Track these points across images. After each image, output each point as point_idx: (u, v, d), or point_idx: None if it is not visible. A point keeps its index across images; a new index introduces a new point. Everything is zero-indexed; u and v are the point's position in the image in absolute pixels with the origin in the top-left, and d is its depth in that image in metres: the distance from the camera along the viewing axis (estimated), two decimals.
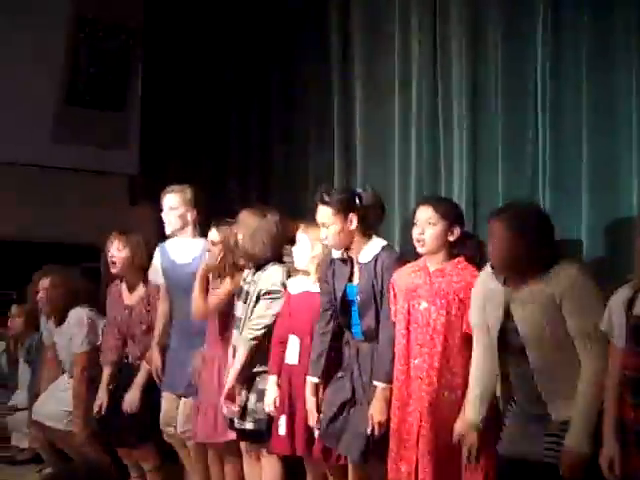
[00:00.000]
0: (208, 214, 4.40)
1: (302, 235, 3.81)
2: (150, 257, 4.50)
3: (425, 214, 3.29)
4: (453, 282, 3.24)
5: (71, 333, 4.76)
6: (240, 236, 3.92)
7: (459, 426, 3.11)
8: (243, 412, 3.85)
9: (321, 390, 3.63)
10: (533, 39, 3.69)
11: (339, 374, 3.58)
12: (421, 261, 3.36)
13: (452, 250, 3.31)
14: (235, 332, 3.94)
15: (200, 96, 5.94)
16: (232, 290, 4.04)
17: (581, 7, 3.50)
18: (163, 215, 4.39)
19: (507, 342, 2.93)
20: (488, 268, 3.05)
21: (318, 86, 4.95)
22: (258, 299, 3.86)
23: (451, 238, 3.29)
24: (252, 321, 3.85)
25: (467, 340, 3.17)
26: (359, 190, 3.66)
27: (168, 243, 4.43)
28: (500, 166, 3.81)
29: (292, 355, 3.76)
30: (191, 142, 5.99)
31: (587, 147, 3.46)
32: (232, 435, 3.97)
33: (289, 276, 3.88)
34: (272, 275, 3.86)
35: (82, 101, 6.61)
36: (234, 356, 3.92)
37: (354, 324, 3.54)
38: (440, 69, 4.15)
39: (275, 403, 3.74)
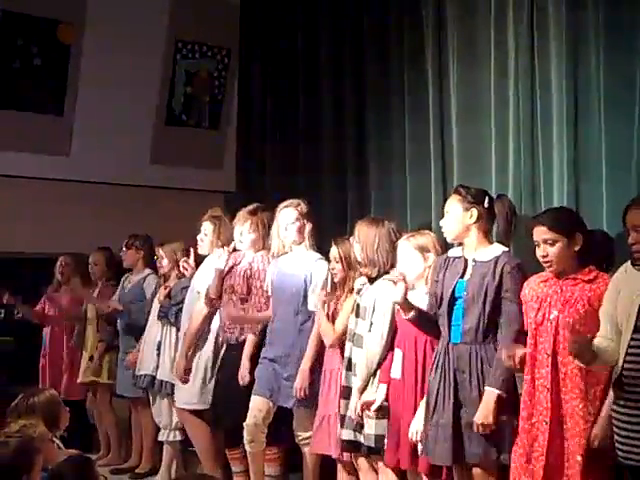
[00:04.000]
0: None
1: (408, 245, 3.76)
2: None
3: (542, 234, 3.23)
4: (586, 290, 3.18)
5: None
6: (359, 247, 3.90)
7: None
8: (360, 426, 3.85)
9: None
10: (637, 46, 3.60)
11: (430, 377, 3.54)
12: (547, 273, 3.31)
13: (582, 256, 3.24)
14: (353, 348, 3.94)
15: (294, 113, 5.99)
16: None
17: None
18: (278, 230, 4.40)
19: (637, 325, 2.86)
20: (627, 263, 2.99)
21: (414, 105, 4.93)
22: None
23: (576, 248, 3.23)
24: (374, 338, 3.83)
25: None
26: (495, 195, 3.65)
27: (282, 258, 4.46)
28: (604, 181, 3.72)
29: (396, 369, 3.75)
30: (286, 158, 6.04)
31: None
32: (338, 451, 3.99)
33: None
34: (386, 288, 3.84)
35: (179, 121, 6.74)
36: (348, 368, 3.92)
37: (454, 324, 3.48)
38: (538, 82, 4.08)
39: (381, 408, 3.73)
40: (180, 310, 4.98)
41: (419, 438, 3.58)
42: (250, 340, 4.50)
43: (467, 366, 3.41)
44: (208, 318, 4.76)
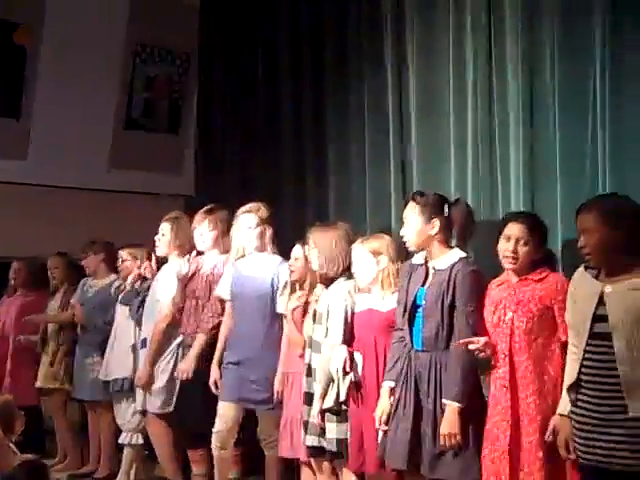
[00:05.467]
0: None
1: (361, 249, 3.79)
2: None
3: (518, 231, 3.30)
4: (537, 289, 3.25)
5: None
6: (315, 252, 3.92)
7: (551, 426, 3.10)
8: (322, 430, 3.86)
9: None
10: (591, 49, 3.68)
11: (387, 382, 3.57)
12: (504, 275, 3.38)
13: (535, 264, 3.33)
14: (312, 354, 3.95)
15: (254, 117, 6.00)
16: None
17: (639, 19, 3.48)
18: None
19: (593, 332, 2.91)
20: (581, 268, 3.05)
21: (373, 108, 4.97)
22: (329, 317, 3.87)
23: (539, 255, 3.32)
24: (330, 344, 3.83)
25: (558, 346, 3.17)
26: (451, 200, 3.67)
27: (241, 261, 4.46)
28: (559, 182, 3.79)
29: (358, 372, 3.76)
30: (245, 162, 6.05)
31: None
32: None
33: None
34: (339, 292, 3.86)
35: (138, 125, 6.72)
36: (308, 374, 3.94)
37: (416, 332, 3.51)
38: (496, 83, 4.14)
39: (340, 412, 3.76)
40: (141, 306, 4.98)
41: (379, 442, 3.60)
42: (199, 340, 4.49)
43: (426, 373, 3.43)
44: (172, 326, 4.74)
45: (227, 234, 4.58)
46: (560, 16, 3.83)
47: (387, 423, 3.54)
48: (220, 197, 5.96)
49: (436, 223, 3.50)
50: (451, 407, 3.33)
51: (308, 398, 3.93)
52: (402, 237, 3.59)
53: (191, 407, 4.51)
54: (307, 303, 4.10)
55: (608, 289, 2.90)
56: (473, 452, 3.33)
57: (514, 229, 3.30)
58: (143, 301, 4.95)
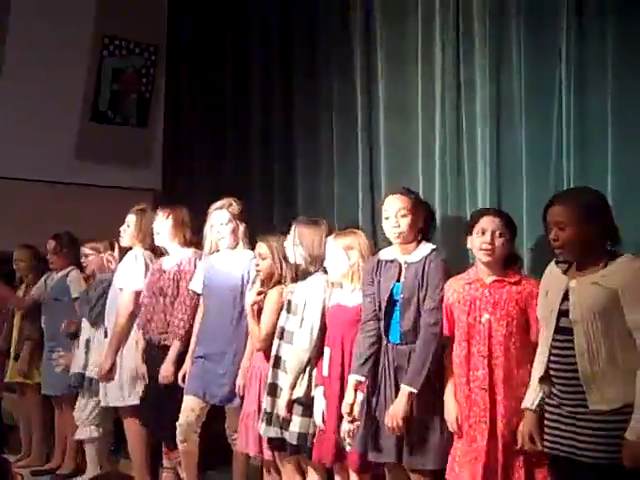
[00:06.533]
0: None
1: (334, 244, 3.81)
2: None
3: (494, 224, 3.32)
4: (513, 292, 3.27)
5: None
6: (301, 249, 3.93)
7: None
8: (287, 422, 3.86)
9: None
10: (557, 51, 3.71)
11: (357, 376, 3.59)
12: (473, 273, 3.38)
13: (508, 261, 3.35)
14: (283, 344, 3.95)
15: (222, 111, 5.98)
16: (280, 303, 4.06)
17: (604, 22, 3.52)
18: (211, 231, 4.41)
19: (559, 326, 2.96)
20: (552, 262, 3.09)
21: (342, 106, 4.98)
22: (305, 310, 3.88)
23: (511, 252, 3.35)
24: (304, 334, 3.85)
25: (532, 350, 3.18)
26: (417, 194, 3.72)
27: (215, 255, 4.45)
28: (525, 181, 3.83)
29: (326, 367, 3.78)
30: (214, 156, 6.03)
31: (612, 160, 3.46)
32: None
33: None
34: (318, 285, 3.88)
35: (105, 118, 6.66)
36: (275, 365, 3.94)
37: (394, 326, 3.53)
38: (463, 84, 4.17)
39: (323, 415, 3.75)
40: (96, 305, 4.96)
41: (345, 435, 3.61)
42: (175, 346, 4.48)
43: (406, 365, 3.45)
44: (134, 316, 4.73)
45: (183, 227, 4.57)
46: (526, 18, 3.86)
47: (351, 416, 3.58)
48: (188, 191, 5.96)
49: (422, 217, 3.58)
50: (405, 391, 3.38)
51: (272, 389, 3.94)
52: (396, 231, 3.55)
53: (160, 405, 4.49)
54: (263, 299, 4.11)
55: (573, 284, 2.94)
56: (445, 442, 3.37)
57: (489, 222, 3.32)
58: (105, 293, 4.94)
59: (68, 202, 6.30)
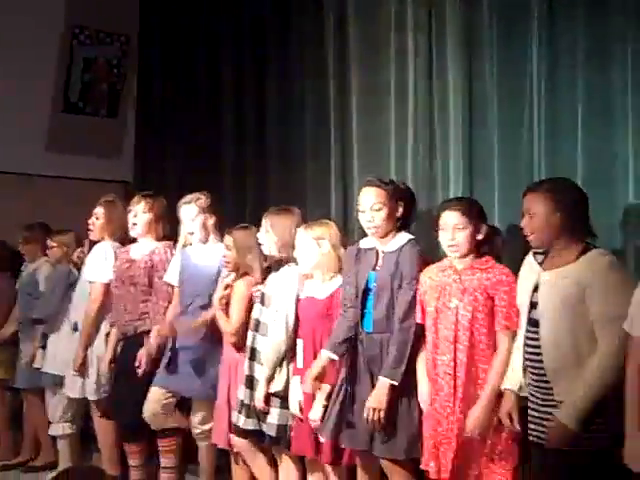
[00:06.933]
0: None
1: (305, 235, 3.78)
2: None
3: (453, 219, 3.31)
4: (483, 279, 3.27)
5: None
6: (273, 237, 3.90)
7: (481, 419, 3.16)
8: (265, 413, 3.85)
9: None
10: (529, 52, 3.73)
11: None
12: (447, 260, 3.38)
13: (480, 248, 3.33)
14: (258, 336, 3.93)
15: (194, 102, 5.94)
16: (247, 294, 4.04)
17: (575, 21, 3.55)
18: (180, 226, 4.40)
19: (530, 318, 3.00)
20: (528, 256, 3.10)
21: (314, 99, 4.97)
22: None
23: (480, 237, 3.32)
24: (279, 326, 3.83)
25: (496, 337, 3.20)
26: (402, 184, 3.68)
27: (190, 249, 4.42)
28: (497, 179, 3.83)
29: (300, 359, 3.77)
30: (186, 147, 5.99)
31: (582, 158, 3.48)
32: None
33: None
34: (290, 276, 3.85)
35: (76, 109, 6.60)
36: (251, 358, 3.92)
37: (367, 315, 3.52)
38: (436, 81, 4.17)
39: (300, 405, 3.73)
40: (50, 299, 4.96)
41: (317, 425, 3.60)
42: (155, 330, 4.42)
43: (379, 355, 3.45)
44: (103, 308, 4.69)
45: (161, 221, 4.55)
46: (498, 13, 3.87)
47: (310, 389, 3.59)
48: (160, 183, 5.92)
49: (401, 206, 3.53)
50: (383, 383, 3.37)
51: (249, 381, 3.92)
52: (370, 225, 3.53)
53: (126, 398, 4.46)
54: (230, 292, 4.09)
55: (544, 276, 2.96)
56: (416, 431, 3.37)
57: (449, 217, 3.32)
58: (55, 287, 4.94)
59: (39, 194, 6.24)
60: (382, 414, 3.35)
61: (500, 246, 3.40)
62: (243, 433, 3.93)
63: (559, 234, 2.94)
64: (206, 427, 4.28)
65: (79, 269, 5.02)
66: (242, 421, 3.91)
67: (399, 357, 3.36)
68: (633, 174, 3.33)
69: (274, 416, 3.81)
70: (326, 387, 3.60)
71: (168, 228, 4.61)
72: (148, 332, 4.45)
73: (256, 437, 3.91)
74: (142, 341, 4.45)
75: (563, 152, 3.60)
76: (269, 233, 3.93)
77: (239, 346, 4.05)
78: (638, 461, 2.61)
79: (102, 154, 6.61)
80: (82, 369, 4.67)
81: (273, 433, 3.81)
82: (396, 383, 3.36)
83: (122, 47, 6.66)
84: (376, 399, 3.37)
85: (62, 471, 4.97)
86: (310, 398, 3.68)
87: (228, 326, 4.06)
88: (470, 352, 3.22)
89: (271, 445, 3.89)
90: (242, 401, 3.93)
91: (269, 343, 3.85)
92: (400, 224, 3.57)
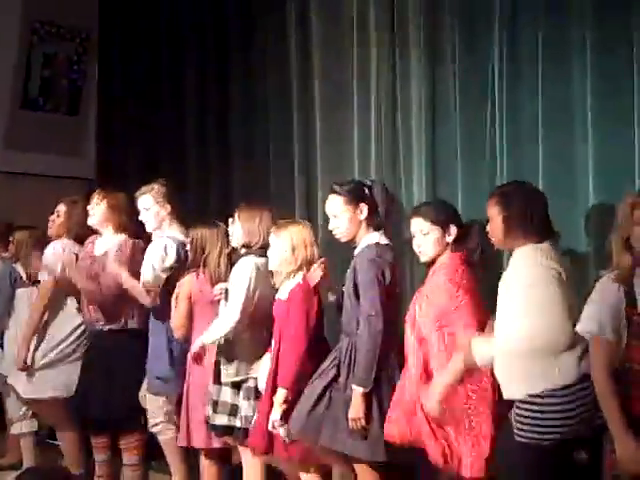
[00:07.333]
0: None
1: (276, 232, 3.76)
2: None
3: (417, 225, 3.35)
4: (431, 280, 3.31)
5: None
6: (239, 226, 3.91)
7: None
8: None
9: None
10: (491, 53, 3.78)
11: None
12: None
13: (456, 247, 3.34)
14: None
15: (157, 100, 5.91)
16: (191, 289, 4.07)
17: (538, 23, 3.60)
18: (141, 217, 4.40)
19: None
20: None
21: (277, 97, 4.97)
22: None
23: (449, 239, 3.33)
24: (229, 308, 3.85)
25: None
26: (369, 182, 3.66)
27: (170, 231, 4.39)
28: (459, 179, 3.88)
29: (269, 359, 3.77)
30: (148, 145, 5.96)
31: (543, 147, 3.54)
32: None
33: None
34: (244, 264, 3.86)
35: (35, 106, 6.52)
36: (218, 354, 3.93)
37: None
38: (399, 81, 4.21)
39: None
40: None
41: (278, 425, 3.59)
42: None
43: (346, 357, 3.46)
44: (47, 306, 4.65)
45: (119, 213, 4.54)
46: (460, 14, 3.92)
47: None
48: (122, 180, 5.86)
49: (364, 208, 3.52)
50: (356, 392, 3.38)
51: (217, 377, 3.92)
52: (332, 231, 3.57)
53: (93, 392, 4.45)
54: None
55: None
56: (379, 431, 3.38)
57: (414, 224, 3.37)
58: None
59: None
60: (363, 422, 3.36)
61: (476, 238, 3.37)
62: (217, 430, 3.93)
63: (514, 235, 2.99)
64: (155, 421, 4.29)
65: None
66: (214, 417, 3.90)
67: (365, 364, 3.36)
68: (593, 175, 3.39)
69: (249, 409, 3.82)
70: (282, 391, 3.61)
71: (125, 220, 4.56)
72: (118, 330, 4.45)
73: (228, 433, 3.90)
74: (109, 337, 4.44)
75: (525, 152, 3.66)
76: (236, 224, 3.95)
77: (185, 340, 4.08)
78: (635, 464, 2.60)
79: (64, 151, 6.54)
80: (24, 367, 4.63)
81: (249, 425, 3.79)
82: (367, 390, 3.36)
83: (82, 43, 6.59)
84: (353, 409, 3.37)
85: (23, 471, 4.94)
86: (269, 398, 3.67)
87: (173, 321, 4.09)
88: (419, 352, 3.26)
89: (243, 438, 3.85)
90: (211, 398, 3.92)
91: (217, 320, 3.86)
92: (374, 224, 3.54)
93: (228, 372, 3.88)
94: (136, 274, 4.30)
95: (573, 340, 2.82)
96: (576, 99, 3.48)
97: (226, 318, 3.84)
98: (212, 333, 3.89)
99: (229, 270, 4.02)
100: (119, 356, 4.41)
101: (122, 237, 4.55)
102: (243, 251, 3.95)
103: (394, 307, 3.50)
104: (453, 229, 3.34)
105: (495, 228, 3.03)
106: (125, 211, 4.57)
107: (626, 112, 3.31)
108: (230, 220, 4.03)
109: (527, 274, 2.89)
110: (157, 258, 4.25)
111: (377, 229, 3.57)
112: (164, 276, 4.25)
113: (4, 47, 6.26)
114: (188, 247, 4.16)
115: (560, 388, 2.84)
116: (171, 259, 4.25)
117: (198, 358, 4.04)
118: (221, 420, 3.88)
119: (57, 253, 4.67)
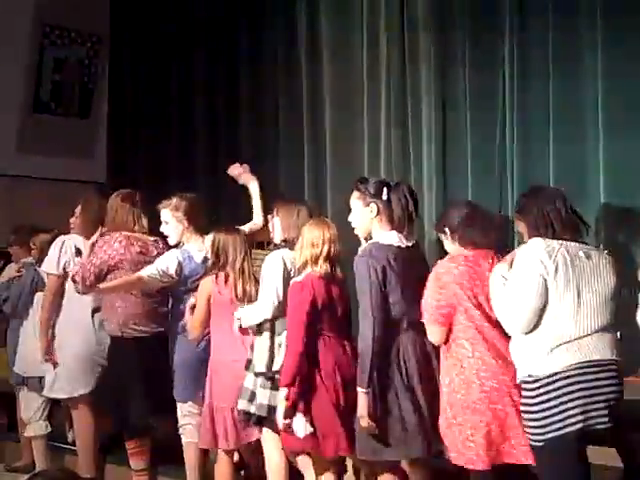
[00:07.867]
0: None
1: (303, 232, 3.73)
2: None
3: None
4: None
5: None
6: (277, 220, 3.91)
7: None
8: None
9: None
10: (501, 54, 3.79)
11: None
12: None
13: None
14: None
15: (167, 103, 5.93)
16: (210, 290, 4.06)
17: (547, 26, 3.61)
18: (161, 229, 4.39)
19: None
20: None
21: (287, 97, 4.99)
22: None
23: (447, 241, 3.35)
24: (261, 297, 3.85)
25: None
26: (392, 182, 3.63)
27: (187, 246, 4.36)
28: (470, 178, 3.88)
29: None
30: (158, 149, 5.98)
31: (554, 147, 3.54)
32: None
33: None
34: (273, 257, 3.86)
35: (47, 109, 6.56)
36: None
37: None
38: (409, 82, 4.21)
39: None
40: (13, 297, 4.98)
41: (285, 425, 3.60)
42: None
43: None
44: (56, 299, 4.68)
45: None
46: (471, 14, 3.92)
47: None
48: (133, 183, 5.86)
49: (374, 207, 3.51)
50: (360, 393, 3.41)
51: (248, 364, 3.89)
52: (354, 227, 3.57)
53: (120, 395, 4.44)
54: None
55: None
56: (383, 432, 3.39)
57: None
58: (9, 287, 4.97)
59: (10, 195, 6.20)
60: (368, 421, 3.35)
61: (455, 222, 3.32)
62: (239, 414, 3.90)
63: (526, 235, 3.03)
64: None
65: None
66: (244, 404, 3.85)
67: (362, 366, 3.38)
68: (604, 175, 3.38)
69: (265, 397, 3.81)
70: (283, 391, 3.62)
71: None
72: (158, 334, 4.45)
73: (247, 418, 3.87)
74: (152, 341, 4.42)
75: (534, 152, 3.66)
76: (275, 220, 3.96)
77: (198, 341, 4.08)
78: None
79: (74, 155, 6.57)
80: (51, 359, 4.65)
81: (264, 413, 3.78)
82: (363, 390, 3.37)
83: (94, 47, 6.63)
84: (358, 409, 3.40)
85: (31, 476, 4.92)
86: None
87: (190, 322, 4.10)
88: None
89: (258, 424, 3.83)
90: (245, 386, 3.88)
91: (254, 308, 3.86)
92: (390, 223, 3.48)
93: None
94: None
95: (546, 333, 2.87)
96: (587, 98, 3.48)
97: (260, 304, 3.85)
98: (250, 318, 3.86)
99: (251, 273, 4.05)
100: (159, 360, 4.37)
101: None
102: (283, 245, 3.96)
103: (400, 307, 3.48)
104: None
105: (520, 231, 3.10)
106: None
107: (637, 112, 3.30)
108: (269, 216, 4.03)
109: (517, 265, 2.96)
110: (161, 266, 4.28)
111: (395, 229, 3.57)
112: (160, 284, 4.25)
113: (16, 52, 6.30)
114: (207, 253, 4.16)
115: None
116: (171, 271, 4.27)
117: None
118: (242, 405, 3.89)
119: (56, 248, 4.68)
